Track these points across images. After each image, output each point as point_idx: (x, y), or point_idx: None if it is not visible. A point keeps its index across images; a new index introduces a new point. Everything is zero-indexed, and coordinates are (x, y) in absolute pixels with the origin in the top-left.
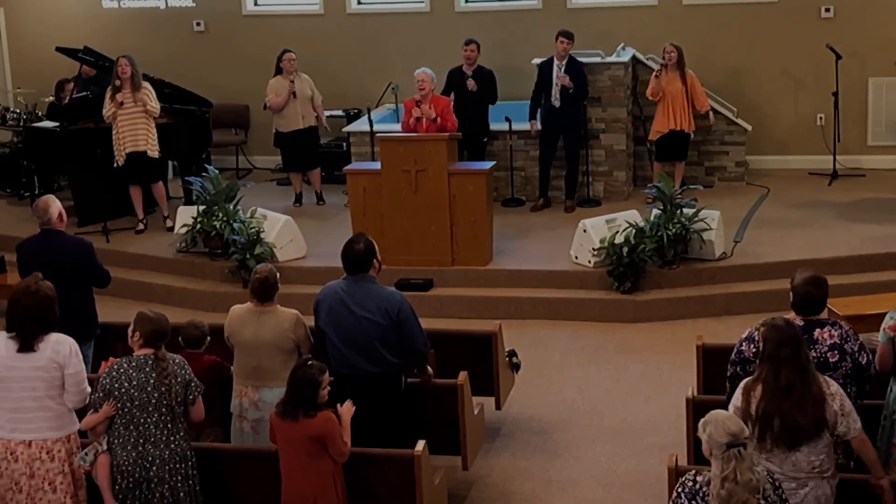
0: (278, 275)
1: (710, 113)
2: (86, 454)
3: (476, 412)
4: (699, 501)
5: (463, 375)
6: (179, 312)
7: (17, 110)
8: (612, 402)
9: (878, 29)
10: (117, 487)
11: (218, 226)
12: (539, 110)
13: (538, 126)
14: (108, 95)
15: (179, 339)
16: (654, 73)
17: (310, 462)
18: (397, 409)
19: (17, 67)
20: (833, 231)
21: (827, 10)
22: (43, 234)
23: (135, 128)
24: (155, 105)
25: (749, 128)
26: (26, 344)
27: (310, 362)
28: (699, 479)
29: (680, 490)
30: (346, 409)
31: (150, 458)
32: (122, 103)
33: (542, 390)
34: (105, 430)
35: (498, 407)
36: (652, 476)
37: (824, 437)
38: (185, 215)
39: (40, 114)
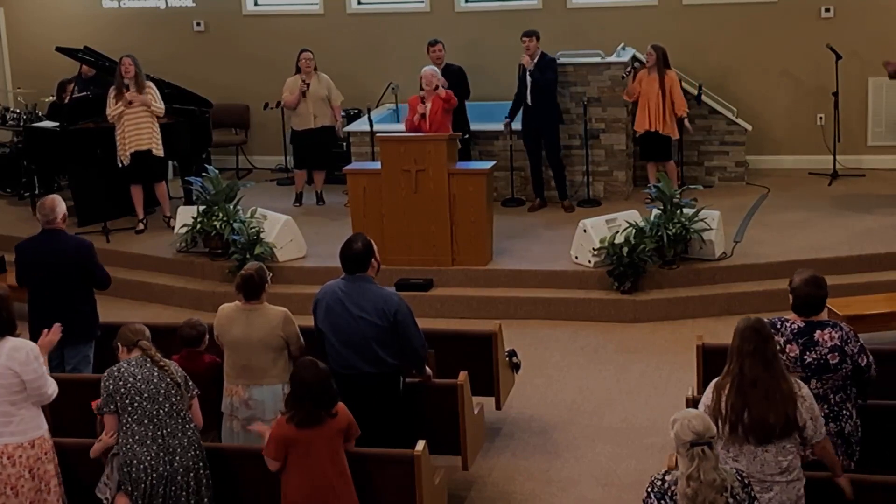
0: (270, 275)
1: (686, 121)
2: (100, 489)
3: (476, 412)
4: (668, 501)
5: (463, 375)
6: (179, 312)
7: (17, 110)
8: (612, 402)
9: (878, 29)
10: (143, 486)
11: (218, 226)
12: (520, 112)
13: (511, 125)
14: (111, 95)
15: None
16: (628, 74)
17: (331, 459)
18: (395, 409)
19: (17, 67)
20: (833, 231)
21: (827, 10)
22: (44, 234)
23: (139, 127)
24: (159, 105)
25: (749, 128)
26: None
27: (310, 361)
28: (668, 478)
29: (649, 490)
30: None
31: (170, 449)
32: (130, 102)
33: (542, 390)
34: (112, 452)
35: (498, 407)
36: (652, 476)
37: (793, 437)
38: (185, 215)
39: (40, 114)
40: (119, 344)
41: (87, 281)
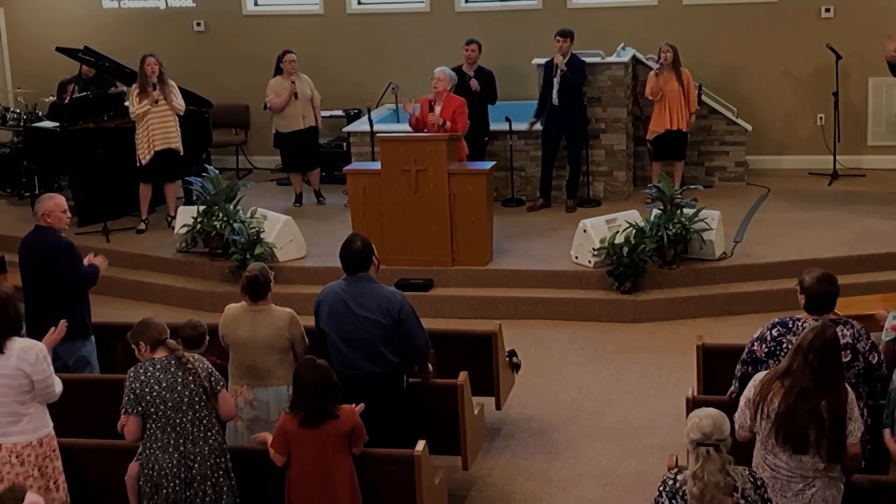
0: (272, 273)
1: (693, 115)
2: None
3: (476, 412)
4: (679, 500)
5: (463, 375)
6: (179, 312)
7: (17, 110)
8: (612, 402)
9: (878, 29)
10: (165, 492)
11: (218, 226)
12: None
13: (538, 125)
14: (133, 93)
15: (178, 339)
16: (654, 72)
17: (330, 460)
18: (399, 408)
19: (17, 67)
20: (833, 231)
21: (827, 10)
22: (33, 230)
23: (166, 125)
24: (181, 102)
25: (749, 128)
26: None
27: (312, 360)
28: (679, 477)
29: (661, 489)
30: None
31: (191, 457)
32: (157, 101)
33: (542, 390)
34: (140, 437)
35: (498, 407)
36: (652, 476)
37: None
38: (185, 215)
39: (40, 114)
40: (141, 342)
41: (69, 281)
